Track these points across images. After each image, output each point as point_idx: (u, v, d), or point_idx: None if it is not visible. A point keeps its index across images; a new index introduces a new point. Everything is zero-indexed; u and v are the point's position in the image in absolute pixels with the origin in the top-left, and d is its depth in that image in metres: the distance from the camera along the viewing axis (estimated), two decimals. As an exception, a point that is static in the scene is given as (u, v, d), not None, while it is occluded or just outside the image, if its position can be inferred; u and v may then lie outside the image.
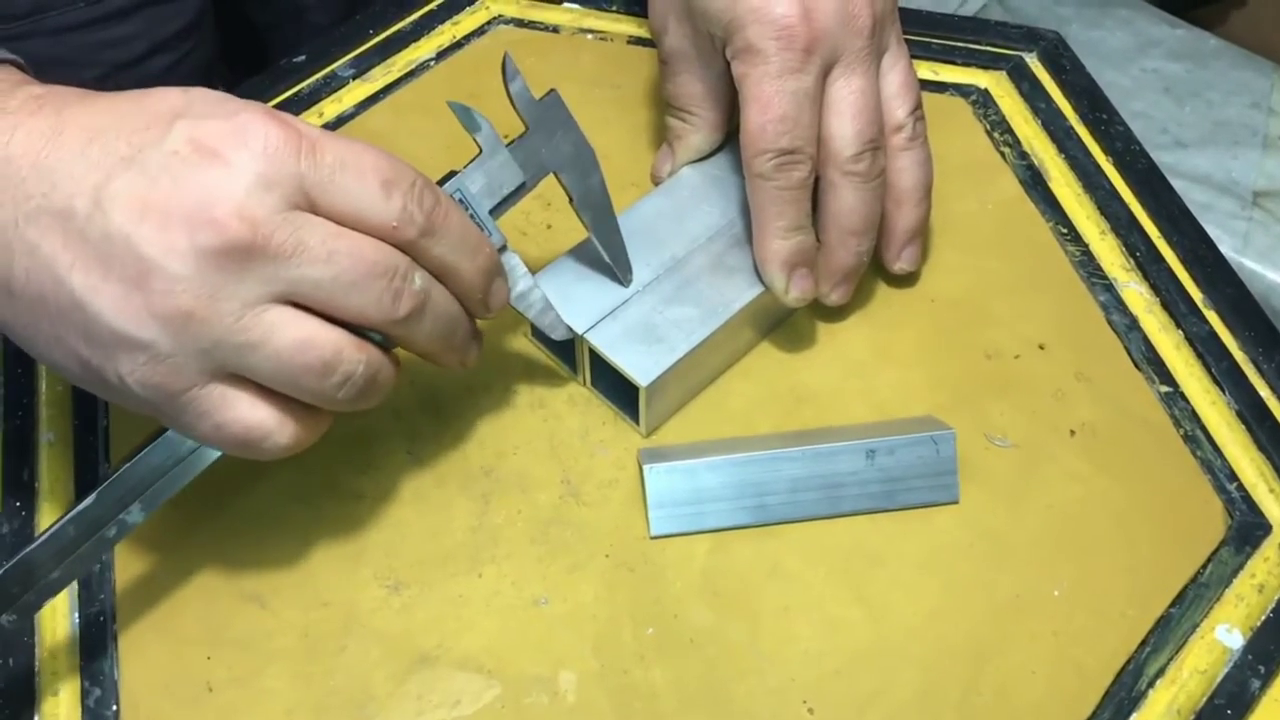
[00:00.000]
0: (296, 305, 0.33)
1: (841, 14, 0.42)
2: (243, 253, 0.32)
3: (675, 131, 0.49)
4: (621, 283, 0.44)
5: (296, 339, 0.33)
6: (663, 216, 0.46)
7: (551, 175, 0.41)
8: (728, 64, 0.43)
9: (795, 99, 0.42)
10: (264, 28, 0.81)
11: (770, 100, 0.42)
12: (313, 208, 0.33)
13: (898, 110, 0.44)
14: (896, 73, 0.45)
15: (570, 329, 0.42)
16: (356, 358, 0.34)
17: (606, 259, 0.43)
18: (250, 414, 0.34)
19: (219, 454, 0.36)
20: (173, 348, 0.32)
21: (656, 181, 0.49)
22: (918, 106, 0.45)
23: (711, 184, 0.48)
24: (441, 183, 0.38)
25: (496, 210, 0.39)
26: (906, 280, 0.48)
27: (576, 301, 0.43)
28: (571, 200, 0.42)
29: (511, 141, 0.40)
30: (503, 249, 0.39)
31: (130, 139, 0.32)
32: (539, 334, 0.45)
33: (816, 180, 0.43)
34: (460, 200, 0.39)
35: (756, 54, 0.42)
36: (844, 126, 0.43)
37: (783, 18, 0.41)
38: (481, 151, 0.39)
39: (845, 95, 0.43)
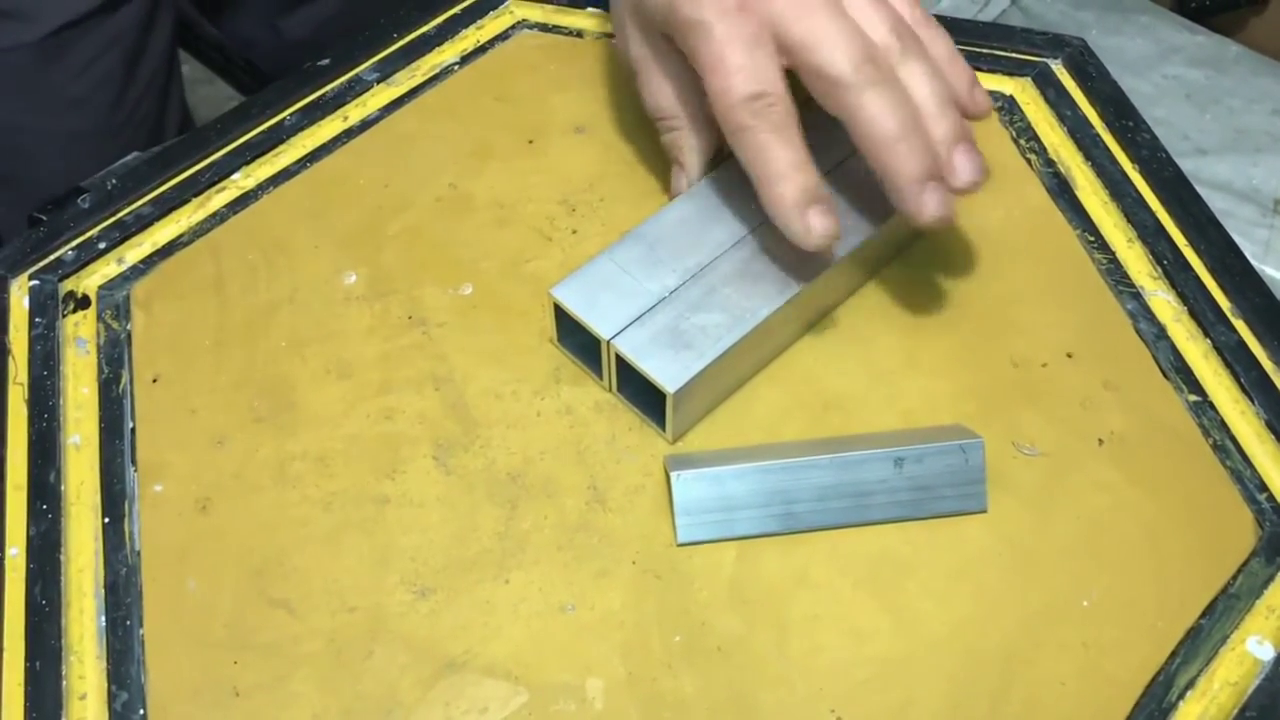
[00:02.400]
0: None
1: None
2: None
3: (672, 143, 0.48)
4: None
5: None
6: (688, 223, 0.46)
7: None
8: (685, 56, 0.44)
9: (745, 48, 0.41)
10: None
11: (720, 59, 0.41)
12: None
13: (874, 33, 0.43)
14: (861, 1, 0.43)
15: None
16: None
17: None
18: None
19: None
20: None
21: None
22: (900, 23, 0.43)
23: (736, 190, 0.47)
24: None
25: None
26: (933, 288, 0.48)
27: (602, 308, 0.43)
28: None
29: None
30: None
31: None
32: (564, 339, 0.45)
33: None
34: None
35: (696, 27, 0.42)
36: (825, 55, 0.41)
37: None
38: None
39: (810, 30, 0.42)
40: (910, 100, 0.42)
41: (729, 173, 0.48)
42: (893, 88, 0.42)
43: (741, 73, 0.41)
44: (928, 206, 0.42)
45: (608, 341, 0.42)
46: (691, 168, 0.48)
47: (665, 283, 0.44)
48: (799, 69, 0.43)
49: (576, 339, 0.44)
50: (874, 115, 0.41)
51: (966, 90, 0.45)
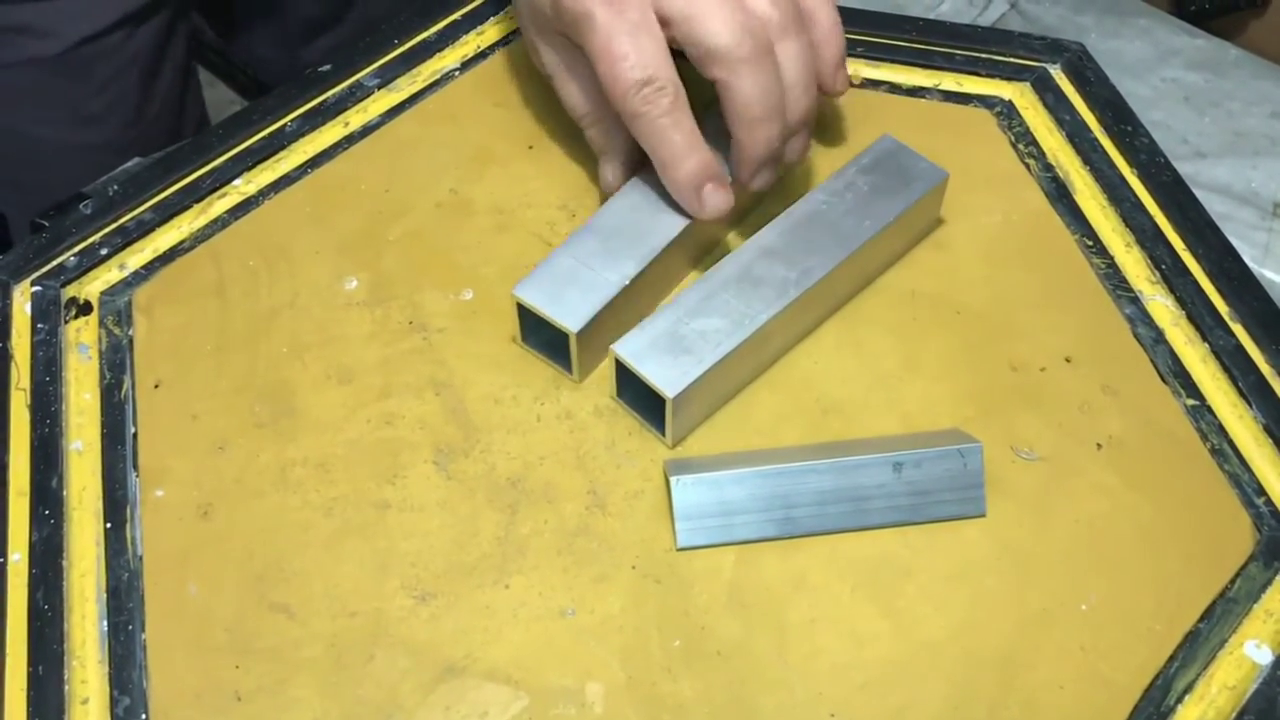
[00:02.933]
0: None
1: None
2: None
3: (594, 139, 0.49)
4: None
5: None
6: (637, 211, 0.46)
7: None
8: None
9: (630, 37, 0.43)
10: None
11: (606, 48, 0.43)
12: None
13: (756, 5, 0.44)
14: None
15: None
16: None
17: None
18: None
19: None
20: None
21: (608, 194, 0.49)
22: (779, 2, 0.44)
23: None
24: None
25: None
26: (933, 292, 0.48)
27: (566, 302, 0.43)
28: None
29: None
30: None
31: None
32: (528, 338, 0.45)
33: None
34: None
35: (581, 18, 0.43)
36: (705, 27, 0.43)
37: None
38: None
39: (692, 5, 0.43)
40: (781, 80, 0.44)
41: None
42: (768, 64, 0.44)
43: (628, 60, 0.43)
44: (754, 183, 0.46)
45: (575, 334, 0.42)
46: (615, 160, 0.49)
47: (624, 271, 0.44)
48: (681, 41, 0.44)
49: (541, 336, 0.45)
50: (747, 93, 0.43)
51: (832, 68, 0.47)
